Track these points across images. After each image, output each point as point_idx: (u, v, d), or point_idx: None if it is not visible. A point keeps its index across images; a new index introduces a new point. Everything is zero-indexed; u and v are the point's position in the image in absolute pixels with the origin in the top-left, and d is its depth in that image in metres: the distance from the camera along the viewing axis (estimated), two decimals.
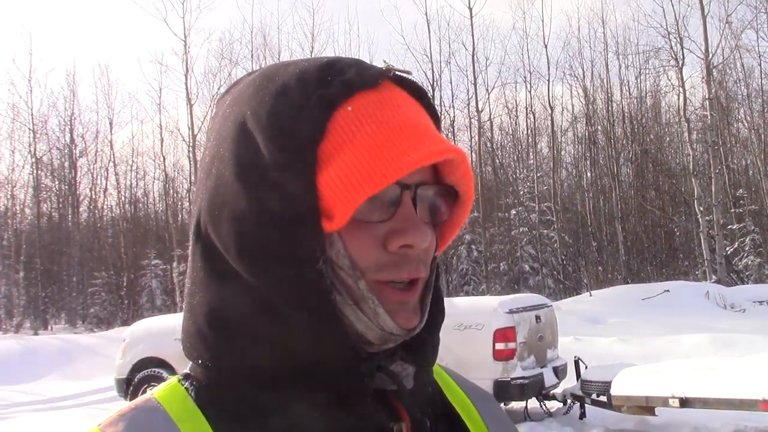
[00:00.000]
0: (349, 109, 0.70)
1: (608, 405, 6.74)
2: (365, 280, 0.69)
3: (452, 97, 37.30)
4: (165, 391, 0.73)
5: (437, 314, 0.79)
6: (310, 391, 0.69)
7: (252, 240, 0.68)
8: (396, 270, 0.70)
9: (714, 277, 22.54)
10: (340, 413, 0.69)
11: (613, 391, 6.51)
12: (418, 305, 0.74)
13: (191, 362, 0.75)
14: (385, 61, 0.76)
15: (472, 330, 7.32)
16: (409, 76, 0.77)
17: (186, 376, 0.75)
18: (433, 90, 30.99)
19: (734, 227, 28.23)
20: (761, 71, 32.17)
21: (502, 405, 8.29)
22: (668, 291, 18.00)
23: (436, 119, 0.79)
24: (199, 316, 0.72)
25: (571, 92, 35.30)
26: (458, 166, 0.74)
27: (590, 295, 19.21)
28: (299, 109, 0.69)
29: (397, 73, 0.75)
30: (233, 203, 0.69)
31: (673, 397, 5.98)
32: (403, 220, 0.70)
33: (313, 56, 0.73)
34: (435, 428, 0.78)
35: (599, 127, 33.64)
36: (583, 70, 34.05)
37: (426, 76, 31.40)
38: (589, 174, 35.04)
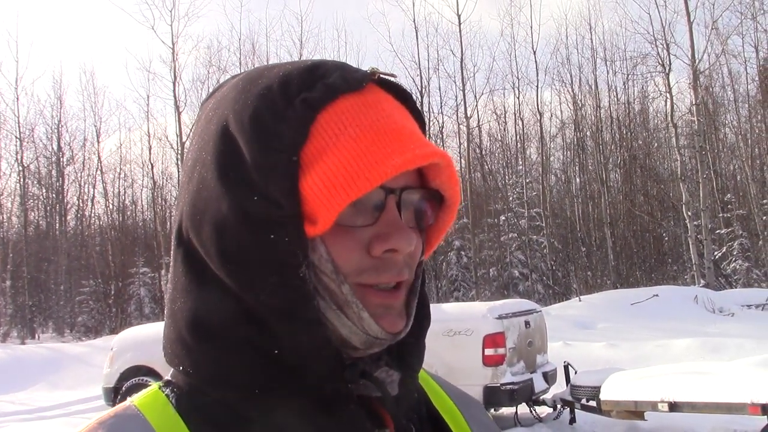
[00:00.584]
0: (333, 112, 0.69)
1: (598, 410, 6.75)
2: (348, 284, 0.69)
3: (441, 103, 37.32)
4: (145, 398, 0.72)
5: (423, 319, 0.78)
6: (292, 399, 0.68)
7: (233, 244, 0.67)
8: (378, 274, 0.70)
9: (702, 281, 22.61)
10: (324, 420, 0.68)
11: (603, 396, 6.52)
12: (403, 309, 0.73)
13: (173, 369, 0.74)
14: (371, 66, 0.75)
15: (461, 336, 7.31)
16: (394, 80, 0.76)
17: (167, 383, 0.74)
18: (422, 96, 31.06)
19: (722, 232, 28.38)
20: (747, 76, 32.47)
21: (491, 411, 8.28)
22: (657, 296, 18.04)
23: (421, 123, 0.78)
24: (181, 322, 0.71)
25: (559, 98, 35.47)
26: (443, 170, 0.74)
27: (580, 300, 19.24)
28: (282, 113, 0.68)
29: (382, 76, 0.74)
30: (215, 207, 0.68)
31: (662, 402, 5.99)
32: (388, 225, 0.69)
33: (321, 59, 0.71)
34: None
35: (588, 133, 33.79)
36: (571, 76, 34.23)
37: (414, 82, 31.49)
38: (578, 179, 35.21)
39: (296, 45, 32.29)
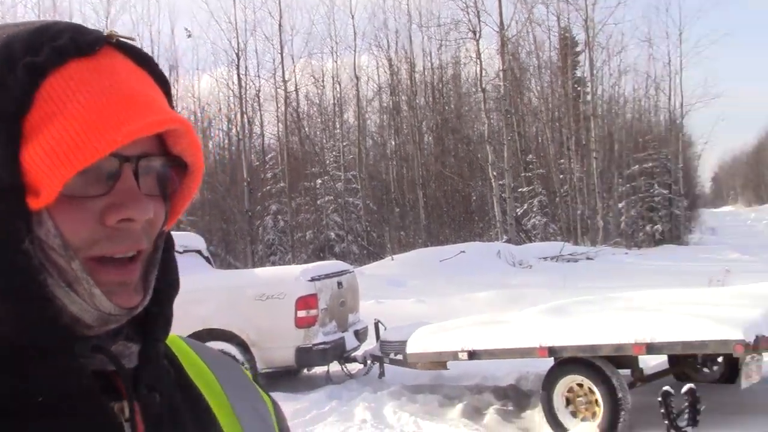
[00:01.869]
0: (60, 77, 0.67)
1: (405, 363, 7.04)
2: (79, 259, 0.66)
3: (258, 66, 36.44)
4: None
5: (169, 288, 0.77)
6: (19, 376, 0.65)
7: None
8: (113, 244, 0.68)
9: (505, 237, 24.09)
10: (53, 396, 0.66)
11: (408, 350, 6.81)
12: (140, 283, 0.71)
13: None
14: (109, 29, 0.73)
15: (274, 300, 7.33)
16: (133, 43, 0.74)
17: None
18: (238, 59, 30.34)
19: (524, 190, 30.35)
20: (550, 44, 34.61)
21: (304, 371, 8.33)
22: (464, 252, 18.99)
23: (165, 87, 0.77)
24: None
25: (377, 63, 35.97)
26: (183, 136, 0.72)
27: (392, 260, 19.86)
28: (2, 79, 0.65)
29: (120, 39, 0.72)
30: None
31: (462, 351, 6.34)
32: (123, 194, 0.67)
33: (53, 20, 0.68)
34: (169, 402, 0.77)
35: (403, 97, 34.60)
36: (388, 41, 34.78)
37: (231, 44, 30.68)
38: (393, 142, 36.05)
39: (103, 2, 30.27)
